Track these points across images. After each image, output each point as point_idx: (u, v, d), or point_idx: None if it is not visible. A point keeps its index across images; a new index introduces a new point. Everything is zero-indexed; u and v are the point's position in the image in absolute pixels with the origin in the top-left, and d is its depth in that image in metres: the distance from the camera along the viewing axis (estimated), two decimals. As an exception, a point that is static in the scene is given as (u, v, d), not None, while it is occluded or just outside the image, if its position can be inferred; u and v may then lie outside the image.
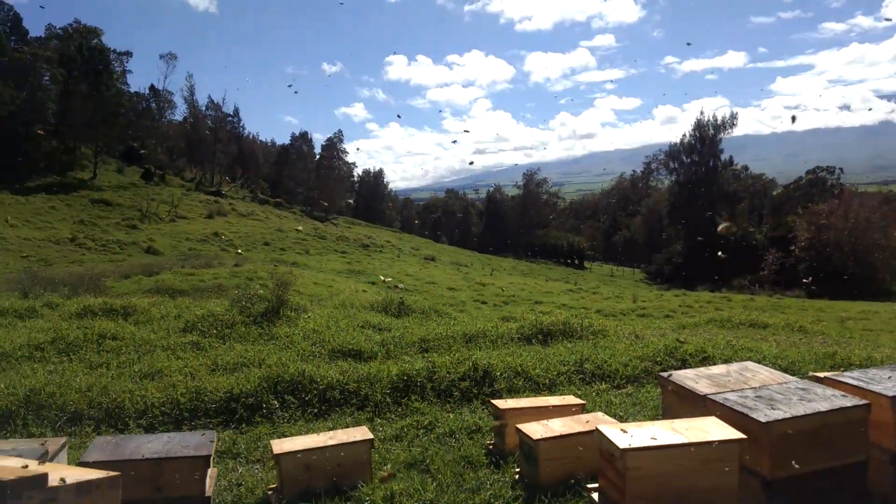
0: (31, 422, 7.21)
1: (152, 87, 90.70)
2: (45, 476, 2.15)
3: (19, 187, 59.26)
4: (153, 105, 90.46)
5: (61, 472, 2.24)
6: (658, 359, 8.84)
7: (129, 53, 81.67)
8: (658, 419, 5.81)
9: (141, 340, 10.53)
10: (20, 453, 3.58)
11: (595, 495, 4.47)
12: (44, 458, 3.06)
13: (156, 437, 5.00)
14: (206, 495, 4.58)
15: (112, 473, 2.46)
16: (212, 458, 4.79)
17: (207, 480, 4.65)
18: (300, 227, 66.89)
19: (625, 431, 4.31)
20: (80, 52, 71.68)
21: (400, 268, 47.88)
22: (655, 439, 4.23)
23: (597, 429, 4.42)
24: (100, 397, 7.51)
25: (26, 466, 2.18)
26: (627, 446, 4.11)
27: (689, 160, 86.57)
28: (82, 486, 2.32)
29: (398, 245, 73.25)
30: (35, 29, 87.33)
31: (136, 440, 4.91)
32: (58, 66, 69.39)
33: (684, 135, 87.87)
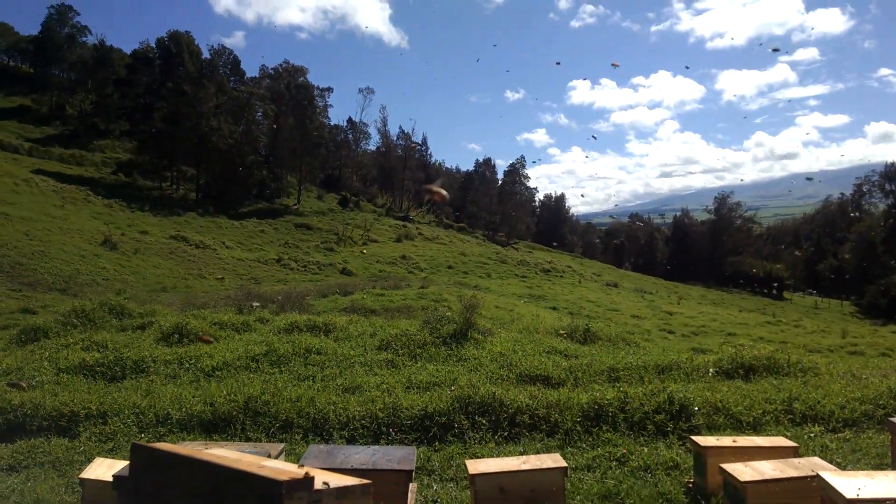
0: (249, 427, 7.92)
1: (350, 120, 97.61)
2: (312, 479, 2.39)
3: (234, 213, 66.01)
4: (350, 136, 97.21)
5: (323, 477, 2.47)
6: (881, 402, 7.93)
7: (330, 89, 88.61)
8: (885, 469, 5.23)
9: (342, 356, 11.23)
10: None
11: (817, 548, 4.10)
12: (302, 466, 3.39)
13: (362, 449, 5.30)
14: (408, 508, 4.78)
15: (365, 481, 2.67)
16: (413, 474, 4.99)
17: (409, 495, 4.84)
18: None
19: (852, 480, 3.92)
20: (289, 89, 78.97)
21: (581, 293, 47.17)
22: (886, 491, 3.81)
23: (819, 475, 4.07)
24: (308, 408, 8.10)
25: (294, 467, 2.44)
26: (856, 497, 3.73)
27: (909, 181, 77.53)
28: (342, 491, 2.54)
29: (579, 270, 72.33)
30: (251, 69, 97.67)
31: (345, 450, 5.24)
32: (269, 102, 76.92)
33: (904, 153, 78.97)
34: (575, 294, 46.19)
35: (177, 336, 13.15)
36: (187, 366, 10.70)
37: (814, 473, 5.20)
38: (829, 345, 27.98)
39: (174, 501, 2.82)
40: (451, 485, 6.39)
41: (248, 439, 7.68)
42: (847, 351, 26.20)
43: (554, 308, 36.90)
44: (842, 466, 6.14)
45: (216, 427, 7.96)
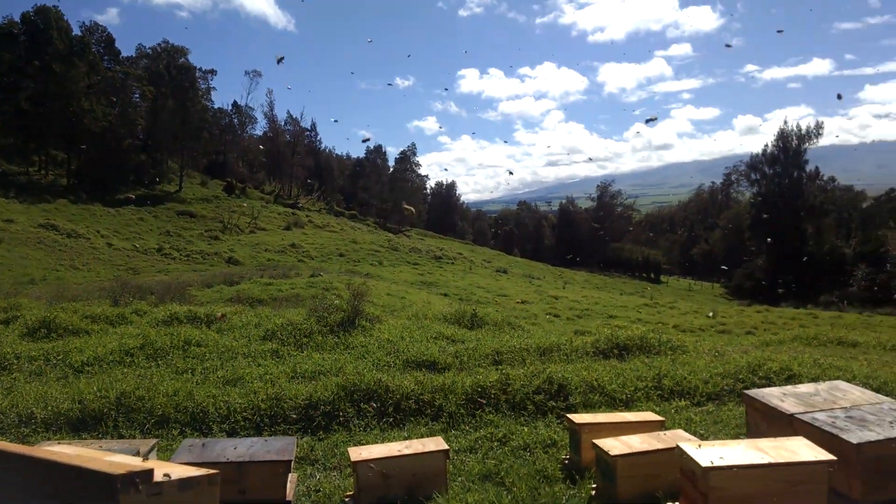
0: (122, 424, 7.55)
1: (235, 104, 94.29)
2: (151, 471, 2.28)
3: (110, 199, 62.45)
4: (235, 120, 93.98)
5: (165, 468, 2.37)
6: (741, 376, 8.54)
7: (213, 71, 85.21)
8: (741, 438, 5.63)
9: (224, 347, 10.90)
10: (115, 453, 3.77)
11: (676, 514, 4.37)
12: (145, 459, 3.23)
13: (240, 441, 5.17)
14: (288, 499, 4.71)
15: (212, 471, 2.58)
16: (293, 464, 4.92)
17: (288, 485, 4.77)
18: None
19: (707, 449, 4.20)
20: (168, 70, 75.27)
21: (472, 280, 47.94)
22: (740, 458, 4.10)
23: (678, 446, 4.32)
24: (185, 402, 7.81)
25: (137, 461, 2.31)
26: (710, 465, 4.00)
27: (771, 171, 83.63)
28: (185, 482, 2.44)
29: (470, 257, 73.38)
30: (126, 49, 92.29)
31: (221, 443, 5.09)
32: (147, 83, 73.00)
33: (766, 145, 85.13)
34: (466, 280, 46.88)
35: (44, 331, 12.36)
36: (54, 362, 10.07)
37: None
38: (701, 325, 29.81)
39: (8, 501, 2.64)
40: (335, 473, 6.34)
41: (121, 437, 7.33)
42: (716, 330, 27.98)
43: (445, 294, 37.31)
44: (704, 437, 6.57)
45: (86, 425, 7.54)
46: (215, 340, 11.38)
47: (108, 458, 2.50)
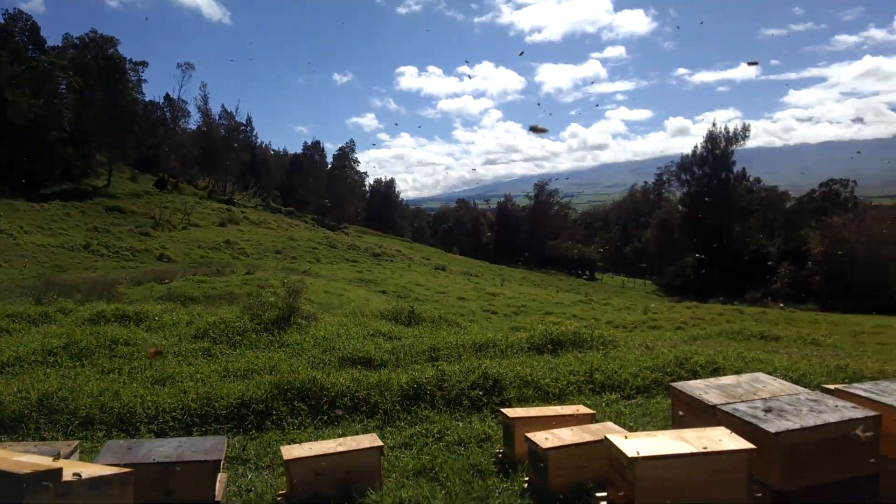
0: (44, 426, 7.26)
1: (167, 97, 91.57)
2: (59, 471, 2.19)
3: (35, 194, 59.80)
4: (168, 114, 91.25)
5: (75, 468, 2.28)
6: (668, 370, 8.81)
7: (144, 63, 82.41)
8: (668, 430, 5.80)
9: (153, 346, 10.59)
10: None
11: (604, 504, 4.47)
12: (56, 459, 3.10)
13: (167, 442, 5.04)
14: (216, 500, 4.61)
15: (124, 470, 2.50)
16: (222, 463, 4.82)
17: (217, 485, 4.67)
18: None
19: (634, 441, 4.31)
20: (97, 61, 72.51)
21: (410, 277, 47.92)
22: (664, 449, 4.23)
23: (606, 438, 4.42)
24: (112, 402, 7.56)
25: (47, 460, 2.21)
26: (636, 455, 4.11)
27: (700, 172, 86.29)
28: (96, 482, 2.35)
29: (409, 254, 73.34)
30: (52, 38, 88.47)
31: (147, 444, 4.95)
32: (74, 74, 70.13)
33: (696, 147, 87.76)
34: (405, 278, 46.83)
35: (-42, 331, 11.77)
36: (-30, 364, 9.58)
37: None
38: (633, 321, 30.55)
39: None
40: (268, 472, 6.25)
41: (42, 439, 7.04)
42: (648, 325, 28.72)
43: (384, 292, 37.18)
44: (633, 429, 6.74)
45: (4, 427, 7.22)
46: (144, 339, 11.07)
47: (16, 458, 2.40)
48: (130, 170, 79.67)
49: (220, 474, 4.73)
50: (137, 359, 9.89)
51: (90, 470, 2.42)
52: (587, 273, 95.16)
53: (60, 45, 77.50)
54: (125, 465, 4.43)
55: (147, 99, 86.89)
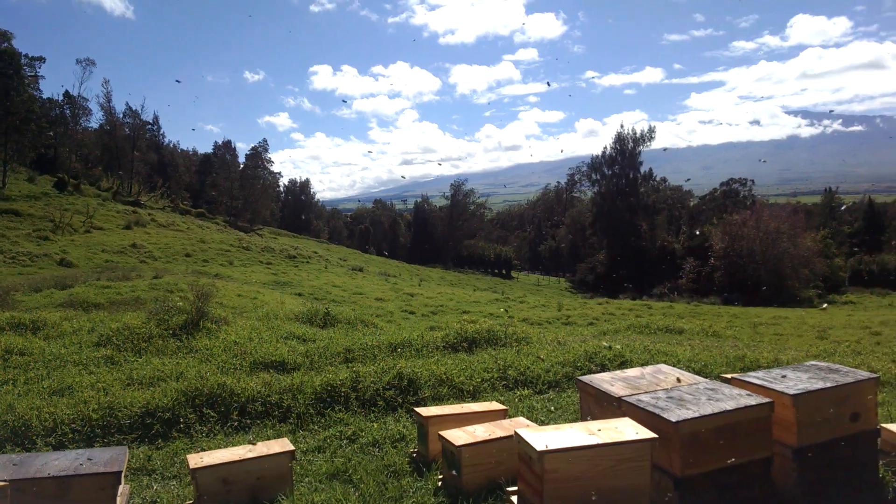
0: (-74, 444, 6.78)
1: (67, 94, 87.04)
2: None
3: (-82, 197, 55.70)
4: (67, 112, 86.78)
5: None
6: (579, 364, 9.04)
7: (42, 58, 78.11)
8: (577, 422, 5.95)
9: (51, 355, 10.06)
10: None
11: (514, 498, 4.53)
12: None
13: (63, 455, 4.77)
14: (117, 513, 4.41)
15: (1, 483, 2.33)
16: (123, 475, 4.61)
17: (118, 498, 4.47)
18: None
19: (542, 434, 4.39)
20: (-12, 55, 68.20)
21: (327, 278, 47.34)
22: (571, 441, 4.33)
23: (515, 432, 4.49)
24: (5, 415, 7.13)
25: None
26: (545, 448, 4.19)
27: (610, 172, 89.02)
28: None
29: (325, 256, 72.39)
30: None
31: (42, 458, 4.68)
32: (-38, 69, 65.69)
33: (605, 147, 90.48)
34: (321, 279, 46.21)
35: None
36: None
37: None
38: (548, 317, 31.23)
39: None
40: (174, 482, 6.04)
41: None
42: (562, 322, 29.40)
43: (300, 294, 36.58)
44: (545, 423, 6.88)
45: None
46: (41, 348, 10.49)
47: None
48: (27, 170, 75.21)
49: (120, 486, 4.52)
50: (34, 369, 9.36)
51: None
52: (503, 272, 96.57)
53: (-55, 37, 72.52)
54: (17, 481, 4.18)
55: (45, 96, 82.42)
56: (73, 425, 7.10)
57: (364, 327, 14.17)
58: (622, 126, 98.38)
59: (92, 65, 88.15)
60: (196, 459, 5.40)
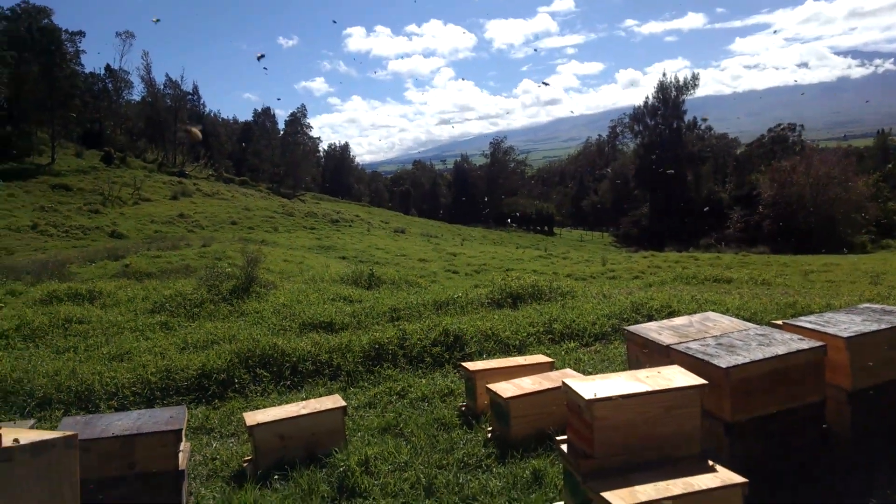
0: (-1, 409, 7.12)
1: (108, 67, 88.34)
2: None
3: (-26, 176, 57.55)
4: (110, 85, 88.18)
5: (15, 434, 2.21)
6: (625, 315, 8.99)
7: (81, 33, 79.14)
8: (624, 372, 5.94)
9: (108, 323, 10.42)
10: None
11: (564, 447, 4.56)
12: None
13: (125, 415, 4.97)
14: (180, 469, 4.59)
15: (68, 433, 2.45)
16: (184, 433, 4.79)
17: (180, 455, 4.65)
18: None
19: (590, 383, 4.40)
20: (31, 32, 69.40)
21: (370, 241, 47.77)
22: (620, 389, 4.32)
23: (563, 382, 4.50)
24: (68, 381, 7.43)
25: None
26: (593, 396, 4.19)
27: (653, 122, 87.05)
28: (38, 446, 2.28)
29: (367, 219, 72.93)
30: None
31: (106, 419, 4.88)
32: (7, 48, 67.02)
33: (647, 97, 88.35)
34: (364, 242, 46.66)
35: None
36: (-84, 350, 9.30)
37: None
38: (592, 272, 30.98)
39: None
40: (232, 440, 6.25)
41: (-1, 422, 6.90)
42: (606, 276, 29.14)
43: (343, 257, 37.02)
44: (591, 375, 6.88)
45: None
46: (99, 317, 10.86)
47: None
48: (75, 146, 77.06)
49: (182, 444, 4.70)
50: (93, 336, 9.72)
51: (32, 435, 2.36)
52: (546, 228, 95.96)
53: (-10, 17, 73.99)
54: (84, 440, 4.37)
55: (87, 71, 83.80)
56: (134, 388, 7.37)
57: (408, 287, 14.30)
58: (664, 74, 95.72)
59: (131, 37, 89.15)
60: (252, 417, 5.57)
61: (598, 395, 4.24)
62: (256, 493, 4.68)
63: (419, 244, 49.34)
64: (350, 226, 63.55)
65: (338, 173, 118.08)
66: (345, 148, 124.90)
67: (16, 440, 2.24)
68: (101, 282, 16.48)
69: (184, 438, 4.83)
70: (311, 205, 78.79)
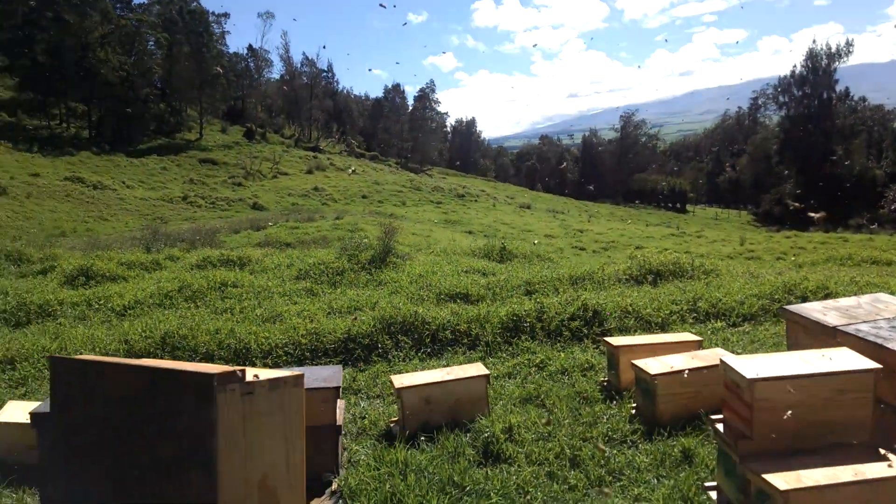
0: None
1: (250, 47, 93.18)
2: (243, 371, 2.40)
3: (133, 150, 62.66)
4: (251, 64, 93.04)
5: (253, 371, 2.49)
6: (776, 296, 8.52)
7: (226, 15, 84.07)
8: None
9: (259, 287, 11.07)
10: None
11: (720, 426, 4.41)
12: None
13: (284, 372, 5.29)
14: (338, 424, 4.84)
15: (296, 372, 2.69)
16: (340, 390, 5.04)
17: (338, 411, 4.90)
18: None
19: (752, 362, 4.22)
20: (181, 15, 74.31)
21: (496, 216, 47.89)
22: (784, 369, 4.12)
23: (721, 360, 4.34)
24: (228, 339, 7.98)
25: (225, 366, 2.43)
26: (756, 376, 4.01)
27: (800, 93, 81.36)
28: (274, 382, 2.56)
29: (493, 194, 73.13)
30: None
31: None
32: (161, 30, 72.19)
33: (794, 66, 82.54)
34: (490, 217, 46.86)
35: (82, 278, 12.63)
36: (96, 307, 10.31)
37: (717, 363, 5.58)
38: (729, 252, 29.61)
39: (101, 409, 2.77)
40: (378, 401, 6.51)
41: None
42: (745, 257, 27.78)
43: (470, 232, 37.38)
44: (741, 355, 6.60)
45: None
46: (250, 281, 11.57)
47: (198, 365, 2.63)
48: (220, 122, 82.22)
49: (339, 400, 4.96)
50: (246, 299, 10.38)
51: (266, 372, 2.63)
52: (678, 205, 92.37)
53: (146, 1, 79.88)
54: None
55: (231, 51, 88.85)
56: (286, 348, 7.82)
57: (540, 261, 14.24)
58: (814, 41, 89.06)
59: (272, 18, 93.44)
60: (400, 380, 5.77)
61: (761, 375, 4.05)
62: (406, 452, 4.85)
63: (545, 220, 48.94)
64: (476, 201, 64.00)
65: (464, 148, 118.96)
66: (471, 123, 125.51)
67: (256, 376, 2.50)
68: (248, 249, 17.57)
69: (340, 395, 5.08)
70: (438, 179, 79.99)
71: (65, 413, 3.03)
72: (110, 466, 2.73)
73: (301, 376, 2.68)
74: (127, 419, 2.69)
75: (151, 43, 72.89)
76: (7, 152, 51.41)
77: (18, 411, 5.35)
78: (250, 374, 2.49)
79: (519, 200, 70.21)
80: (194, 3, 77.42)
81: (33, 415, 4.02)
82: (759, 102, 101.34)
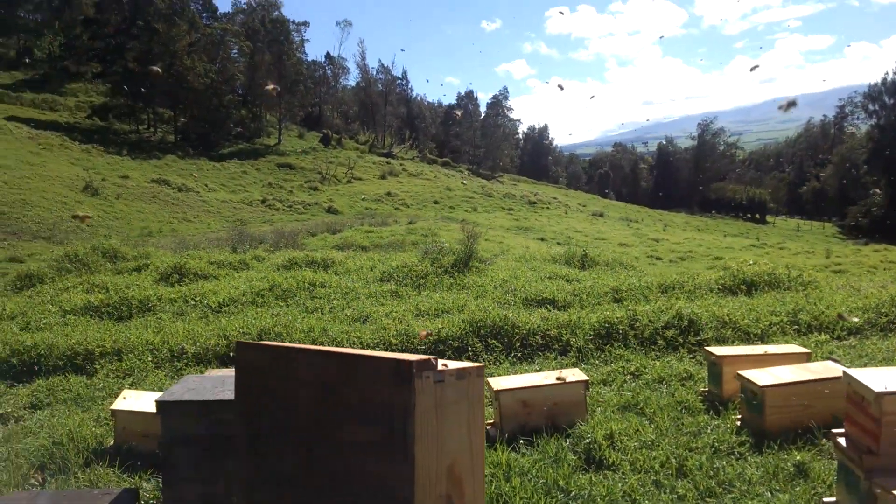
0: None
1: (328, 55, 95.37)
2: (436, 360, 2.52)
3: (214, 154, 64.95)
4: (329, 72, 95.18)
5: (443, 362, 2.60)
6: (883, 310, 8.14)
7: (306, 23, 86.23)
8: None
9: (346, 289, 11.29)
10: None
11: (842, 440, 4.25)
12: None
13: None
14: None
15: (478, 364, 2.76)
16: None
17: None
18: (465, 182, 68.41)
19: (878, 374, 4.05)
20: (263, 24, 76.73)
21: (568, 224, 47.42)
22: (916, 385, 3.93)
23: (844, 372, 4.19)
24: (321, 337, 8.17)
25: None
26: (884, 389, 3.85)
27: (892, 101, 77.55)
28: (461, 372, 2.67)
29: (565, 201, 72.48)
30: (223, 5, 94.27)
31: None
32: (244, 39, 74.70)
33: (886, 73, 78.86)
34: (562, 225, 46.43)
35: (176, 276, 13.15)
36: (193, 303, 10.72)
37: (829, 376, 5.38)
38: (814, 265, 28.41)
39: (293, 393, 2.91)
40: (472, 403, 6.53)
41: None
42: (832, 270, 26.67)
43: (542, 239, 37.13)
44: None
45: (233, 360, 8.03)
46: (337, 282, 11.81)
47: (392, 353, 2.77)
48: (298, 128, 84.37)
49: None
50: (335, 299, 10.60)
51: (452, 363, 2.72)
52: (756, 216, 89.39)
53: (230, 11, 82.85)
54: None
55: (310, 58, 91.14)
56: (378, 348, 7.94)
57: (623, 269, 14.03)
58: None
59: (349, 26, 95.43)
60: (497, 382, 5.79)
61: (890, 389, 3.89)
62: (508, 454, 4.86)
63: (618, 228, 48.15)
64: (547, 208, 63.56)
65: (535, 155, 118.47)
66: (543, 130, 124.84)
67: (444, 365, 2.59)
68: (330, 251, 17.95)
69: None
70: (509, 186, 79.84)
71: (250, 396, 3.21)
72: (299, 447, 2.90)
73: (482, 367, 2.75)
74: (320, 404, 2.84)
75: (235, 51, 75.51)
76: (99, 155, 54.07)
77: (132, 399, 5.61)
78: (440, 363, 2.58)
79: (591, 208, 69.35)
80: (276, 13, 79.79)
81: (160, 402, 4.20)
82: (847, 110, 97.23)
